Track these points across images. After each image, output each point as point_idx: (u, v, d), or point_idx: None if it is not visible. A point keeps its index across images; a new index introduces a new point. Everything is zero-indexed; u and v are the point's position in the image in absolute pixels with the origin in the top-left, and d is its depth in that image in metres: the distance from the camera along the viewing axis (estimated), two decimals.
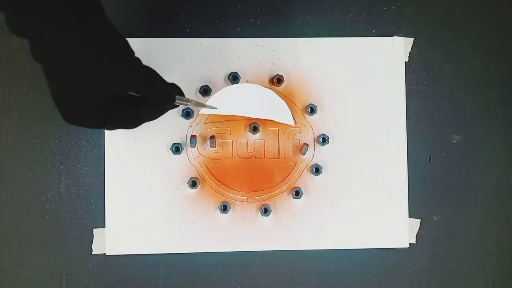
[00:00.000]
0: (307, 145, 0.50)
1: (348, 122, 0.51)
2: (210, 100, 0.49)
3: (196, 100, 0.45)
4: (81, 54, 0.32)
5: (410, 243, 0.51)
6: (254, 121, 0.50)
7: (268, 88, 0.50)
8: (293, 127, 0.50)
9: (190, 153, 0.50)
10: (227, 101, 0.49)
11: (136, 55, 0.36)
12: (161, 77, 0.39)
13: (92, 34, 0.32)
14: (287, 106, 0.50)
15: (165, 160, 0.49)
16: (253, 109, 0.49)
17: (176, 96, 0.41)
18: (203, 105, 0.47)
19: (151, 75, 0.38)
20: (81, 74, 0.32)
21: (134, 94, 0.38)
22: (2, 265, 0.49)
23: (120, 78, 0.34)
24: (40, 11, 0.29)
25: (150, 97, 0.39)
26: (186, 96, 0.43)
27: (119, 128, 0.39)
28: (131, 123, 0.39)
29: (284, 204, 0.50)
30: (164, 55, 0.50)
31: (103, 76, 0.33)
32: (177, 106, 0.42)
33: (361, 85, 0.51)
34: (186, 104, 0.42)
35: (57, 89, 0.34)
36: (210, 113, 0.49)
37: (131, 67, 0.35)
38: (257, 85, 0.49)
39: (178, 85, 0.42)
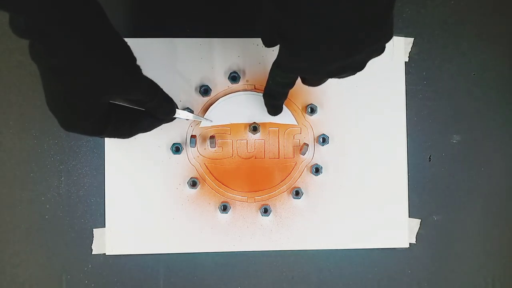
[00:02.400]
0: (307, 145, 0.50)
1: (348, 122, 0.51)
2: (207, 113, 0.49)
3: (195, 113, 0.47)
4: (83, 57, 0.32)
5: (410, 243, 0.51)
6: (254, 121, 0.50)
7: None
8: (293, 126, 0.50)
9: (190, 153, 0.50)
10: (225, 111, 0.49)
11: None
12: (162, 90, 0.39)
13: (95, 38, 0.32)
14: (286, 107, 0.50)
15: (165, 160, 0.49)
16: (253, 114, 0.50)
17: (176, 110, 0.42)
18: (200, 118, 0.48)
19: (153, 86, 0.38)
20: (82, 77, 0.32)
21: (135, 107, 0.38)
22: (2, 265, 0.49)
23: (121, 82, 0.34)
24: (45, 12, 0.29)
25: (151, 109, 0.39)
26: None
27: (115, 137, 0.39)
28: (127, 133, 0.40)
29: (284, 204, 0.50)
30: (164, 55, 0.50)
31: (104, 80, 0.33)
32: (174, 119, 0.43)
33: (361, 85, 0.51)
34: (183, 118, 0.44)
35: (56, 93, 0.33)
36: (209, 125, 0.49)
37: (132, 72, 0.35)
38: (252, 92, 0.50)
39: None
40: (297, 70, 0.36)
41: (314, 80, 0.39)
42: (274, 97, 0.44)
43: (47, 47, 0.31)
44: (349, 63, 0.33)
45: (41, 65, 0.32)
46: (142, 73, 0.37)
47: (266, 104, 0.45)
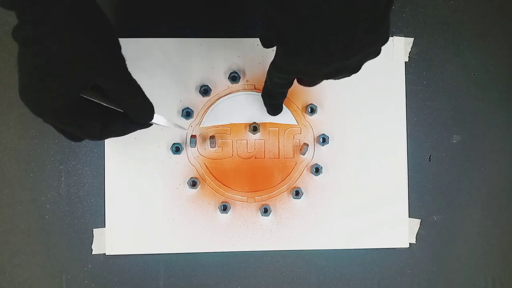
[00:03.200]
0: (307, 145, 0.50)
1: (348, 122, 0.51)
2: (208, 113, 0.49)
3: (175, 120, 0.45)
4: (64, 35, 0.31)
5: (410, 243, 0.51)
6: (254, 121, 0.50)
7: None
8: (293, 126, 0.50)
9: (190, 153, 0.50)
10: (226, 111, 0.50)
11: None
12: (143, 92, 0.37)
13: (79, 15, 0.31)
14: (286, 107, 0.50)
15: (165, 160, 0.49)
16: (253, 114, 0.50)
17: (155, 115, 0.39)
18: (177, 126, 0.44)
19: (134, 83, 0.36)
20: (60, 55, 0.31)
21: (113, 107, 0.36)
22: (2, 265, 0.49)
23: (95, 57, 0.33)
24: None
25: (129, 110, 0.37)
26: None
27: (84, 134, 0.37)
28: (98, 132, 0.37)
29: (284, 204, 0.50)
30: (165, 55, 0.50)
31: (83, 59, 0.32)
32: (150, 125, 0.40)
33: (361, 85, 0.51)
34: (160, 124, 0.41)
35: (31, 68, 0.32)
36: (210, 125, 0.49)
37: (112, 55, 0.34)
38: (252, 92, 0.50)
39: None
40: (294, 71, 0.36)
41: (310, 80, 0.39)
42: (273, 97, 0.44)
43: (27, 20, 0.31)
44: (345, 65, 0.33)
45: (20, 39, 0.32)
46: (122, 61, 0.35)
47: (265, 104, 0.45)
